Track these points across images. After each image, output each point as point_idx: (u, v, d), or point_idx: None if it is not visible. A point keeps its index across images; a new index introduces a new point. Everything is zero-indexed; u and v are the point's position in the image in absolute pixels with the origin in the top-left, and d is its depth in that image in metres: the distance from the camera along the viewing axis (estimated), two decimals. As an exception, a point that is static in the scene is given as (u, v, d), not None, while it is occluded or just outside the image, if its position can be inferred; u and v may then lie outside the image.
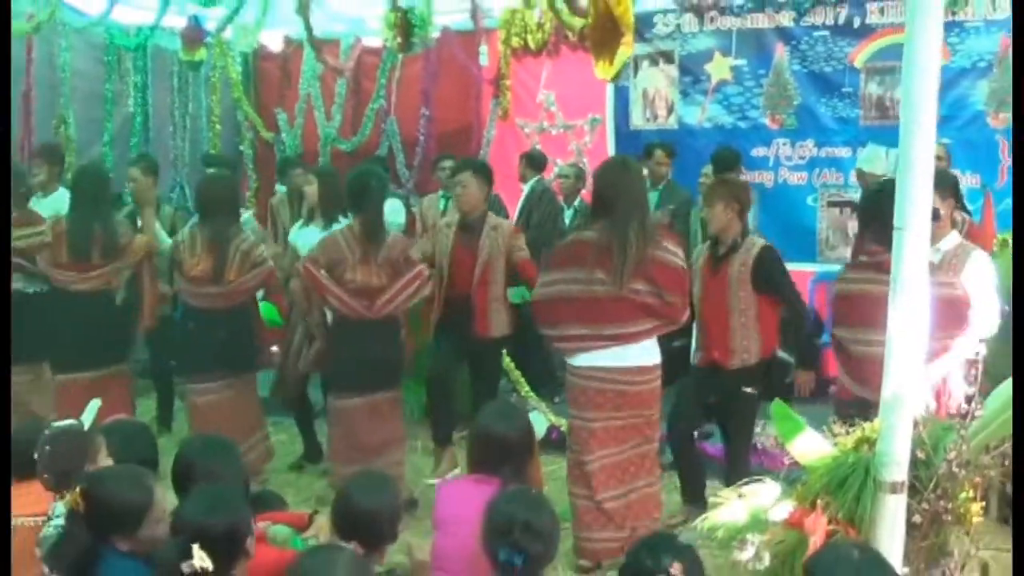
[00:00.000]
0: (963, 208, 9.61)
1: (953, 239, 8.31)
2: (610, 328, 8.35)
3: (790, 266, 9.63)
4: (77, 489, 5.53)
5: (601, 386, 8.47)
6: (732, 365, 9.08)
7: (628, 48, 8.92)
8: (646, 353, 8.45)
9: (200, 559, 4.85)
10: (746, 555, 5.82)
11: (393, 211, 12.93)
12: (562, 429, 10.38)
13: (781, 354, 9.26)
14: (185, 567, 4.87)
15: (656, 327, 8.41)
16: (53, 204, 12.09)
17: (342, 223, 10.50)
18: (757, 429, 10.22)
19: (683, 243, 9.16)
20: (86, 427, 7.01)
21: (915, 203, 5.30)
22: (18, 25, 13.74)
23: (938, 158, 11.07)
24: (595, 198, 8.81)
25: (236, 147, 18.21)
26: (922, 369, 5.54)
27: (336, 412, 10.09)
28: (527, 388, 11.84)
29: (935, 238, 7.05)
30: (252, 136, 18.24)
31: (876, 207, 8.03)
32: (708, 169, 13.32)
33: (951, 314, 7.51)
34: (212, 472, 6.12)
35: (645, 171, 12.04)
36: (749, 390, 9.11)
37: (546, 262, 9.20)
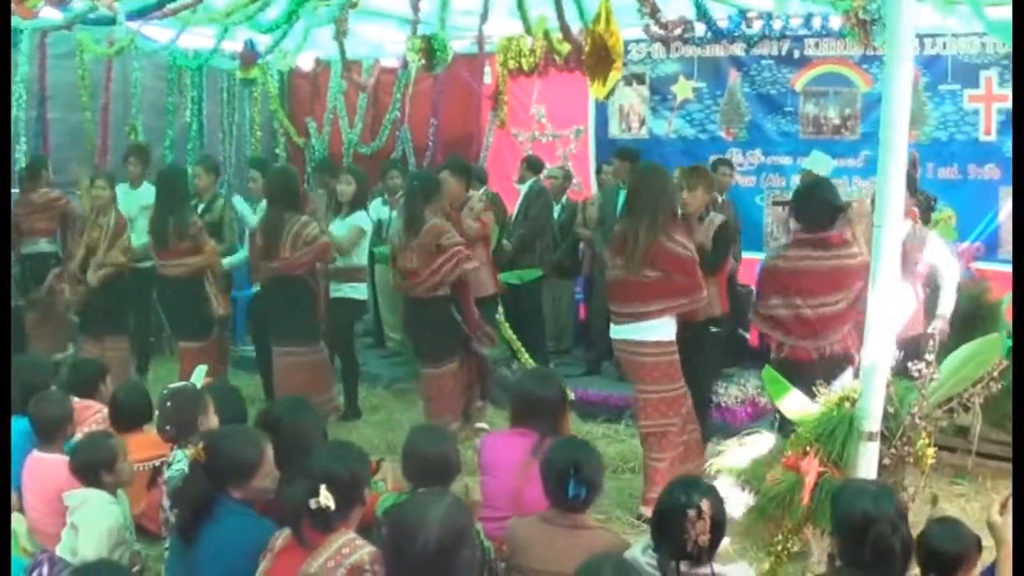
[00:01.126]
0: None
1: (906, 226, 8.49)
2: (628, 307, 8.54)
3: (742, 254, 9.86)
4: (201, 444, 5.65)
5: (621, 356, 8.79)
6: (699, 318, 8.96)
7: (618, 72, 9.05)
8: (662, 329, 8.55)
9: (325, 498, 4.94)
10: (747, 492, 6.07)
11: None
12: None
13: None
14: (312, 503, 4.96)
15: (670, 307, 8.51)
16: (142, 196, 12.35)
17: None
18: (721, 390, 10.42)
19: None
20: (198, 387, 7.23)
21: (890, 205, 5.58)
22: (101, 50, 14.04)
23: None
24: (628, 197, 9.10)
25: (273, 151, 18.27)
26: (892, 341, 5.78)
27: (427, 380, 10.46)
28: (526, 356, 12.01)
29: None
30: (286, 141, 18.28)
31: (809, 197, 8.31)
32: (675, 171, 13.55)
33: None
34: (298, 428, 6.22)
35: (609, 172, 12.51)
36: (715, 329, 9.26)
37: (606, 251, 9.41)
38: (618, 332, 8.71)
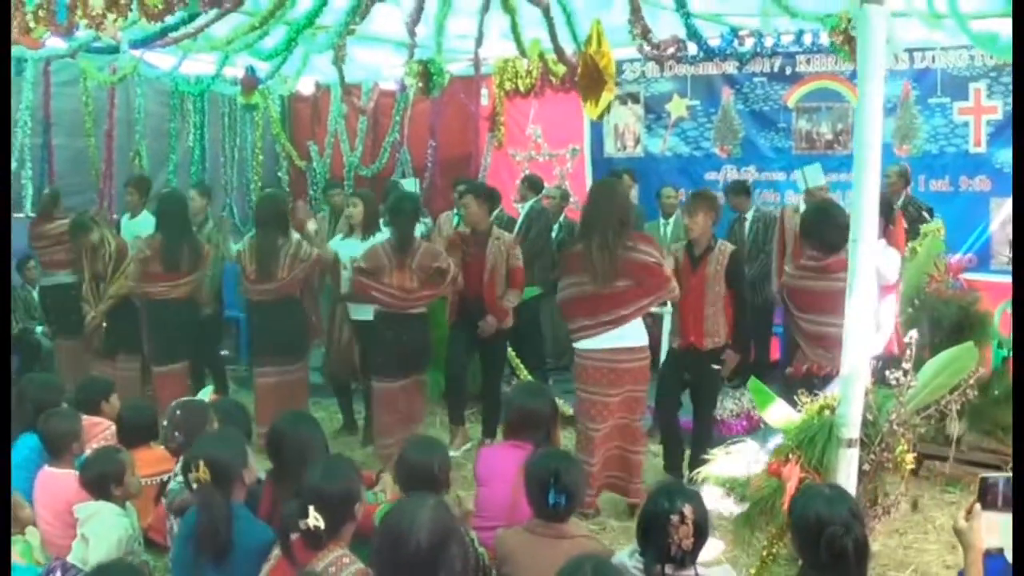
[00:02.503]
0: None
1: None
2: (603, 316, 8.73)
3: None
4: (200, 462, 5.67)
5: (597, 364, 8.85)
6: (705, 347, 9.35)
7: (610, 93, 9.20)
8: (635, 334, 8.83)
9: (314, 519, 5.05)
10: (732, 499, 6.26)
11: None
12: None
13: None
14: (301, 524, 5.07)
15: (641, 307, 8.83)
16: (140, 225, 12.50)
17: (379, 236, 10.81)
18: (717, 405, 10.56)
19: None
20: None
21: (865, 221, 5.73)
22: (104, 77, 14.25)
23: (898, 175, 11.57)
24: (581, 216, 9.30)
25: (275, 174, 18.52)
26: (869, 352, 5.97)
27: (377, 393, 10.34)
28: (525, 372, 12.15)
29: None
30: (288, 165, 18.49)
31: (816, 223, 8.49)
32: (668, 189, 13.76)
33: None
34: (301, 440, 6.36)
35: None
36: (716, 367, 9.44)
37: (560, 271, 9.56)
38: (590, 343, 8.88)
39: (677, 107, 15.33)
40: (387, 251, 10.10)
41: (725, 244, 9.61)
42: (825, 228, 8.47)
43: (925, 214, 11.71)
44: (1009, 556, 4.60)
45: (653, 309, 9.44)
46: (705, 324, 9.36)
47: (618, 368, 8.83)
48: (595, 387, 8.87)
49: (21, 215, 13.70)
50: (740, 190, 13.36)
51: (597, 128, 15.87)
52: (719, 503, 6.43)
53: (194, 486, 5.74)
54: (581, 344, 8.94)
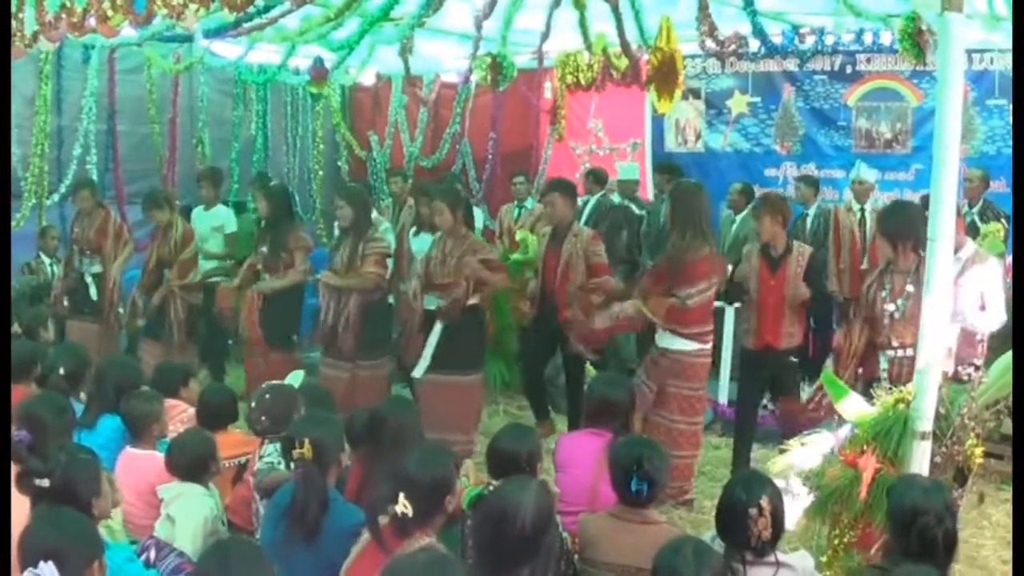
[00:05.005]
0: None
1: (970, 247, 8.53)
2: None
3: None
4: (306, 441, 5.74)
5: (693, 361, 9.23)
6: (782, 346, 9.47)
7: (680, 89, 9.33)
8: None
9: (403, 505, 5.02)
10: (807, 489, 6.40)
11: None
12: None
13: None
14: (390, 509, 5.07)
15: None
16: (214, 217, 12.79)
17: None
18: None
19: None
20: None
21: (943, 220, 5.84)
22: (169, 65, 14.39)
23: (980, 179, 11.54)
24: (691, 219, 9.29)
25: (335, 163, 18.69)
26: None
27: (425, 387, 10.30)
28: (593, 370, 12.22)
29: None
30: (348, 154, 18.66)
31: (894, 223, 8.34)
32: (737, 185, 13.79)
33: None
34: (401, 425, 6.51)
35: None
36: (794, 360, 9.58)
37: (685, 275, 9.30)
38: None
39: (738, 103, 15.38)
40: (437, 246, 10.21)
41: (803, 247, 9.73)
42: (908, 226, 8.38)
43: (1003, 220, 11.68)
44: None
45: (716, 304, 9.58)
46: (784, 325, 9.47)
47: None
48: (700, 383, 9.24)
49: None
50: (809, 183, 13.41)
51: (658, 123, 15.94)
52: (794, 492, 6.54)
53: (293, 463, 5.87)
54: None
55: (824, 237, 12.79)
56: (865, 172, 12.80)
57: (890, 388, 6.53)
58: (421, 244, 11.24)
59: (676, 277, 9.00)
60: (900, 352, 7.77)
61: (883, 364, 7.86)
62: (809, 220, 13.10)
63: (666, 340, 9.14)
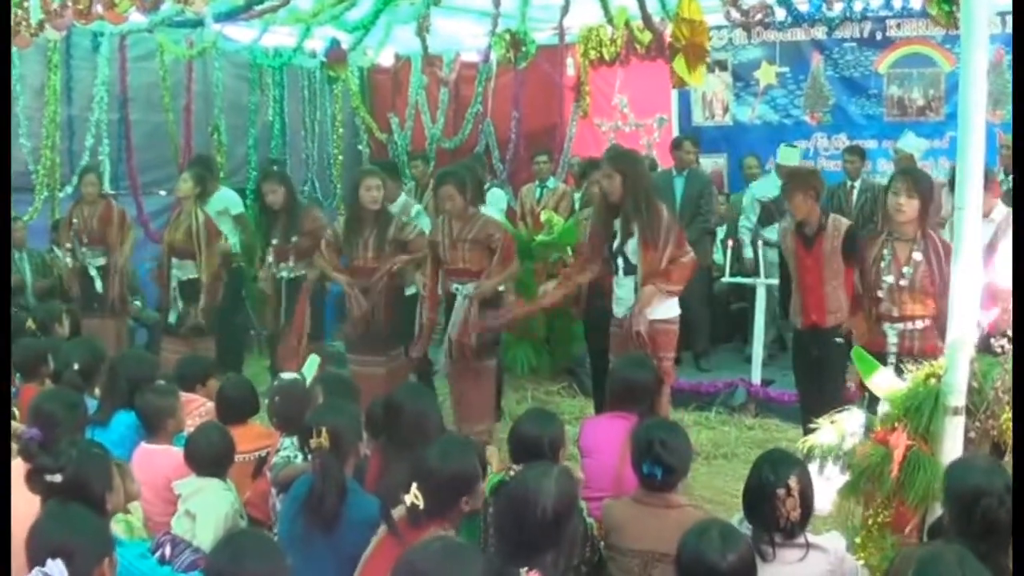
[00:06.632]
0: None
1: (1001, 210, 8.56)
2: None
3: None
4: (323, 431, 5.72)
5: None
6: (828, 324, 9.35)
7: (706, 60, 9.32)
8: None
9: (415, 496, 5.00)
10: (839, 467, 6.37)
11: (496, 199, 13.12)
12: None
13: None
14: (405, 499, 5.05)
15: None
16: (218, 201, 12.62)
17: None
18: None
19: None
20: (308, 380, 7.58)
21: (970, 187, 5.76)
22: (182, 51, 14.42)
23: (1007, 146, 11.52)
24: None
25: (355, 147, 18.65)
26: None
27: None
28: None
29: (986, 210, 7.13)
30: (368, 137, 18.60)
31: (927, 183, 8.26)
32: (751, 159, 13.96)
33: None
34: (420, 414, 6.47)
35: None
36: (840, 340, 9.32)
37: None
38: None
39: (766, 74, 15.28)
40: (442, 226, 9.93)
41: (839, 220, 9.53)
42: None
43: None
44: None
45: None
46: (827, 302, 9.38)
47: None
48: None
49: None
50: (855, 153, 13.24)
51: (684, 97, 15.88)
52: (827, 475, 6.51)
53: (311, 452, 5.85)
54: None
55: (872, 212, 12.58)
56: (912, 141, 12.73)
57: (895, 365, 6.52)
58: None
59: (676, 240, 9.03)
60: (910, 325, 7.79)
61: (892, 339, 7.85)
62: (855, 194, 12.93)
63: (660, 311, 9.02)
